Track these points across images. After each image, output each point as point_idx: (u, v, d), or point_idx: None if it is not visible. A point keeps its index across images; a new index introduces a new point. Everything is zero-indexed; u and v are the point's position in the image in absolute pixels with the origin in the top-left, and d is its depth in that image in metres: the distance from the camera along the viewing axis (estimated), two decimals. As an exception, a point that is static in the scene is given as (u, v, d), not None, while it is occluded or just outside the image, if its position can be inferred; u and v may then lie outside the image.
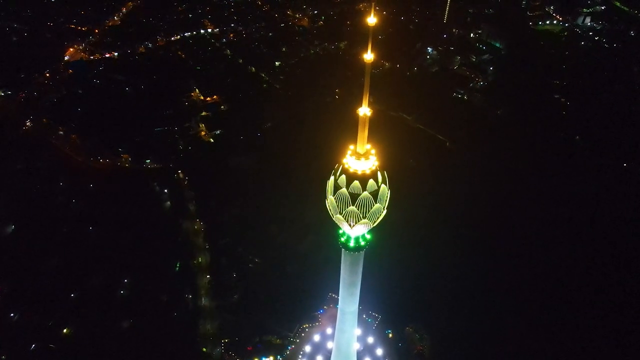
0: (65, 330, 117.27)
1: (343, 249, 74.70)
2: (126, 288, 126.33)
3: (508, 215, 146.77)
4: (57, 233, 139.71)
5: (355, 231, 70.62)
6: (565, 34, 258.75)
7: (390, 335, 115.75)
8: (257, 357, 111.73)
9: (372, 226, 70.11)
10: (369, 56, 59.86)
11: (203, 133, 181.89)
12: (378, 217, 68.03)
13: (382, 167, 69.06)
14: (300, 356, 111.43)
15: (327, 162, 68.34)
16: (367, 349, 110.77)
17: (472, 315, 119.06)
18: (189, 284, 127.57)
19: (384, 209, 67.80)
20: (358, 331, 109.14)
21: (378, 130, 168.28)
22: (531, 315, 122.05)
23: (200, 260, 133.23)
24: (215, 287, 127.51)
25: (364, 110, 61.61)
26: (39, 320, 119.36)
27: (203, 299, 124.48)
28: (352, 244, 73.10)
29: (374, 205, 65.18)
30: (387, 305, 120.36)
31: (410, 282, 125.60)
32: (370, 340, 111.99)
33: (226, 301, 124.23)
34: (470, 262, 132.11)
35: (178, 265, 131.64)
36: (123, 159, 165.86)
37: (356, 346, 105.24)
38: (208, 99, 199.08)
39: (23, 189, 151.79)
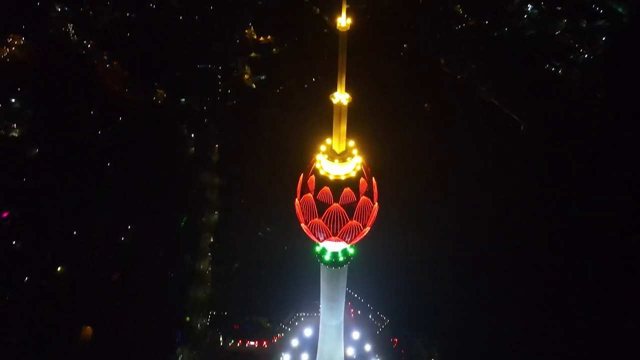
0: (59, 269, 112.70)
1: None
2: (128, 235, 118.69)
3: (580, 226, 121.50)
4: (77, 165, 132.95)
5: (329, 246, 56.55)
6: None
7: (395, 345, 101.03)
8: (241, 339, 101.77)
9: (349, 245, 55.79)
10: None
11: (247, 76, 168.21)
12: (356, 236, 53.54)
13: (376, 170, 54.08)
14: (287, 347, 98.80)
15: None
16: (362, 357, 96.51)
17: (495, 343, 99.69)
18: (191, 243, 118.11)
19: (364, 227, 52.99)
20: (356, 334, 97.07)
21: (440, 96, 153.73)
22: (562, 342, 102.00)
23: (208, 219, 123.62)
24: (218, 251, 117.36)
25: (340, 97, 46.46)
26: (37, 252, 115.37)
27: (201, 263, 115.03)
28: (327, 257, 59.49)
29: (347, 221, 50.85)
30: (399, 309, 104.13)
31: (432, 288, 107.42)
32: (368, 348, 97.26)
33: (225, 269, 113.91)
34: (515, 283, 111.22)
35: (184, 221, 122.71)
36: (158, 94, 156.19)
37: (349, 351, 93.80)
38: (261, 38, 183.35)
39: (54, 113, 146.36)
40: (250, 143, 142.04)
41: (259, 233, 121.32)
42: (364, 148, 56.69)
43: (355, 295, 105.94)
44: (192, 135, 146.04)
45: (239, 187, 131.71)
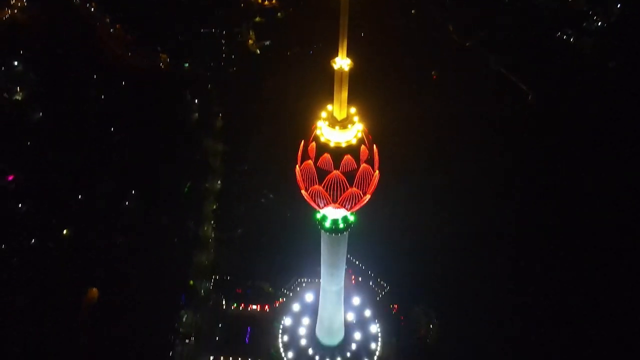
0: (65, 231, 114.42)
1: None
2: (132, 200, 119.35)
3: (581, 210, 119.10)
4: (81, 129, 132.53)
5: (330, 213, 56.63)
6: None
7: (394, 311, 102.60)
8: (244, 303, 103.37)
9: (350, 212, 55.87)
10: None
11: (251, 42, 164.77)
12: (356, 204, 53.59)
13: (378, 138, 53.67)
14: (289, 312, 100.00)
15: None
16: (362, 323, 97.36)
17: (497, 319, 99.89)
18: (194, 209, 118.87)
19: (364, 195, 52.96)
20: (356, 300, 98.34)
21: (444, 63, 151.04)
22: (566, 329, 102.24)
23: (211, 185, 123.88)
24: (221, 217, 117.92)
25: (341, 63, 45.53)
26: (43, 215, 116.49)
27: (205, 228, 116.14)
28: (328, 224, 59.79)
29: (348, 188, 50.77)
30: (399, 276, 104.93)
31: (432, 256, 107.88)
32: (368, 313, 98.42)
33: (228, 234, 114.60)
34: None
35: (188, 187, 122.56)
36: (161, 59, 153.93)
37: (349, 316, 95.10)
38: (266, 2, 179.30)
39: (57, 76, 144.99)
40: (253, 109, 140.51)
41: (262, 200, 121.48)
42: (365, 115, 56.14)
43: (356, 262, 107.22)
44: (196, 100, 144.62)
45: (242, 154, 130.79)
